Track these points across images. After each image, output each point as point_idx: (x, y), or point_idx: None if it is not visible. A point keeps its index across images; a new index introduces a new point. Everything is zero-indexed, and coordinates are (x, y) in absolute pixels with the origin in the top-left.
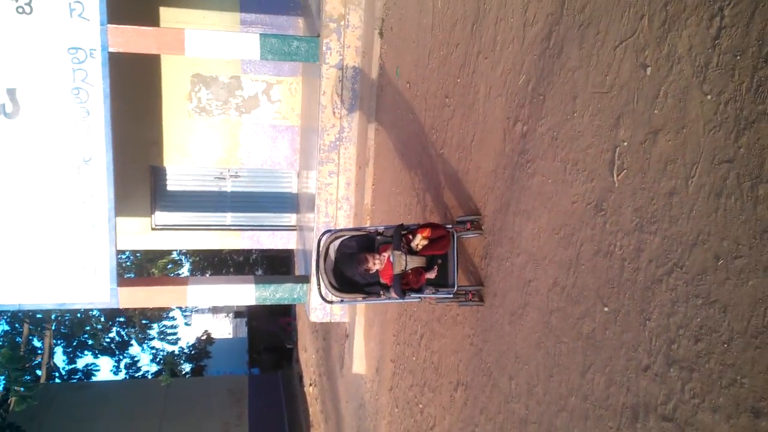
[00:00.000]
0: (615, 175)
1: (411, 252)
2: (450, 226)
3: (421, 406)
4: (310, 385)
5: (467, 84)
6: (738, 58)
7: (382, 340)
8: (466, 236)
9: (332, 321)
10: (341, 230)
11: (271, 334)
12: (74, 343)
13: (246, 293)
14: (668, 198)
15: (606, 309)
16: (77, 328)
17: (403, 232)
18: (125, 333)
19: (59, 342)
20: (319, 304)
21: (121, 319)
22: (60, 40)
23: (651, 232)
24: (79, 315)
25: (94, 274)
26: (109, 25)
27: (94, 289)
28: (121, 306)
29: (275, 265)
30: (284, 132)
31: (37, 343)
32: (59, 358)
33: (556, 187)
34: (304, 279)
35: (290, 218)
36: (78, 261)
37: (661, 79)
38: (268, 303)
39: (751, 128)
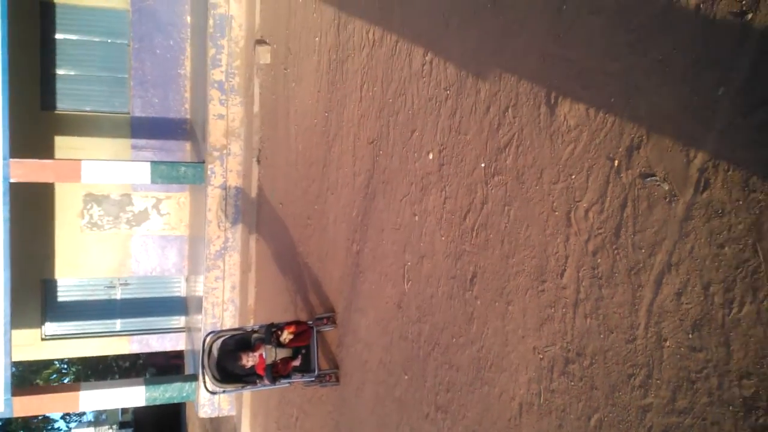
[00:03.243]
0: (405, 284)
1: (280, 345)
2: (311, 321)
3: None
4: None
5: (321, 211)
6: (454, 217)
7: (266, 429)
8: (324, 329)
9: (220, 415)
10: (222, 331)
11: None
12: None
13: (136, 395)
14: (430, 299)
15: (406, 377)
16: None
17: (273, 330)
18: None
19: None
20: (207, 400)
21: None
22: None
23: (424, 322)
24: None
25: None
26: (11, 159)
27: None
28: (16, 415)
29: (163, 370)
30: (173, 241)
31: None
32: None
33: (377, 291)
34: (192, 377)
35: (179, 320)
36: None
37: (422, 224)
38: (158, 403)
39: (462, 257)
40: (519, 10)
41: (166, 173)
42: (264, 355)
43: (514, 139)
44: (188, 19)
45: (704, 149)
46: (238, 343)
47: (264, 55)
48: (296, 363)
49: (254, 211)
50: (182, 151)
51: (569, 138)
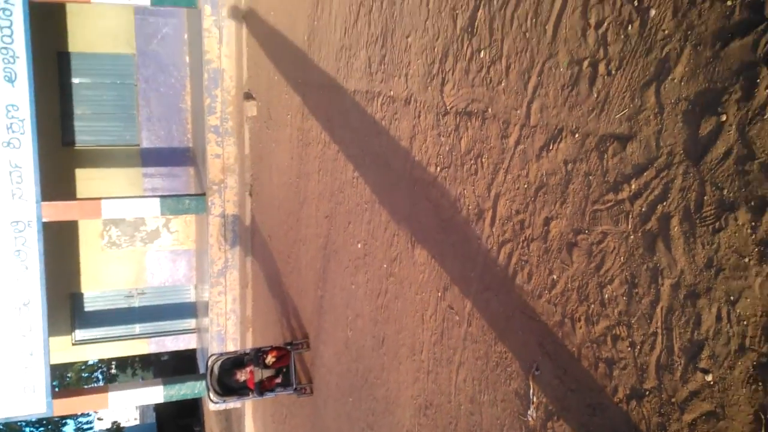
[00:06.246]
0: (348, 332)
1: (265, 366)
2: (289, 346)
3: None
4: None
5: (297, 255)
6: (373, 294)
7: (264, 420)
8: (301, 351)
9: (227, 408)
10: (221, 354)
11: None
12: None
13: (155, 393)
14: (362, 347)
15: (351, 399)
16: None
17: (260, 354)
18: None
19: None
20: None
21: (32, 419)
22: (4, 216)
23: (359, 362)
24: None
25: (33, 392)
26: (42, 203)
27: (33, 403)
28: (55, 414)
29: (178, 360)
30: (182, 255)
31: None
32: None
33: (333, 331)
34: (203, 376)
35: (190, 323)
36: (20, 382)
37: (356, 292)
38: (174, 399)
39: (377, 324)
40: (395, 173)
41: (173, 206)
42: (253, 372)
43: (398, 256)
44: (187, 59)
45: (471, 300)
46: (233, 362)
47: (251, 109)
48: (278, 380)
49: (249, 237)
50: (187, 175)
51: (420, 269)
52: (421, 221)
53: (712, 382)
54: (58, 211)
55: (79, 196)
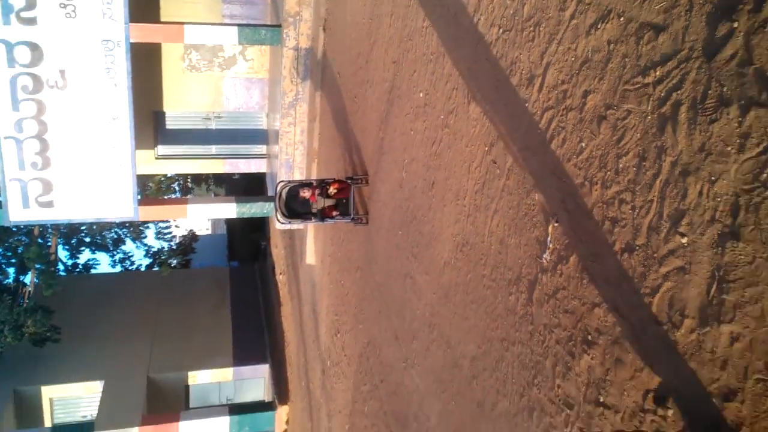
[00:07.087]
0: (403, 173)
1: (327, 196)
2: (350, 180)
3: (342, 282)
4: (281, 273)
5: (363, 96)
6: (428, 141)
7: (324, 242)
8: (360, 186)
9: (291, 229)
10: (290, 181)
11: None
12: (73, 241)
13: (229, 209)
14: (414, 188)
15: (400, 232)
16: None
17: (323, 185)
18: (121, 232)
19: (59, 240)
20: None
21: (118, 221)
22: (96, 34)
23: (410, 201)
24: None
25: (121, 197)
26: (130, 24)
27: (121, 207)
28: (140, 219)
29: (248, 181)
30: (256, 83)
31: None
32: (61, 254)
33: (389, 171)
34: (272, 198)
35: (262, 149)
36: (109, 188)
37: (413, 138)
38: (245, 216)
39: (429, 169)
40: (462, 29)
41: (250, 36)
42: (316, 198)
43: (455, 109)
44: None
45: (512, 156)
46: (299, 188)
47: None
48: (337, 212)
49: (319, 72)
50: (264, 3)
51: (473, 124)
52: (479, 79)
53: (686, 244)
54: (145, 33)
55: (162, 18)
